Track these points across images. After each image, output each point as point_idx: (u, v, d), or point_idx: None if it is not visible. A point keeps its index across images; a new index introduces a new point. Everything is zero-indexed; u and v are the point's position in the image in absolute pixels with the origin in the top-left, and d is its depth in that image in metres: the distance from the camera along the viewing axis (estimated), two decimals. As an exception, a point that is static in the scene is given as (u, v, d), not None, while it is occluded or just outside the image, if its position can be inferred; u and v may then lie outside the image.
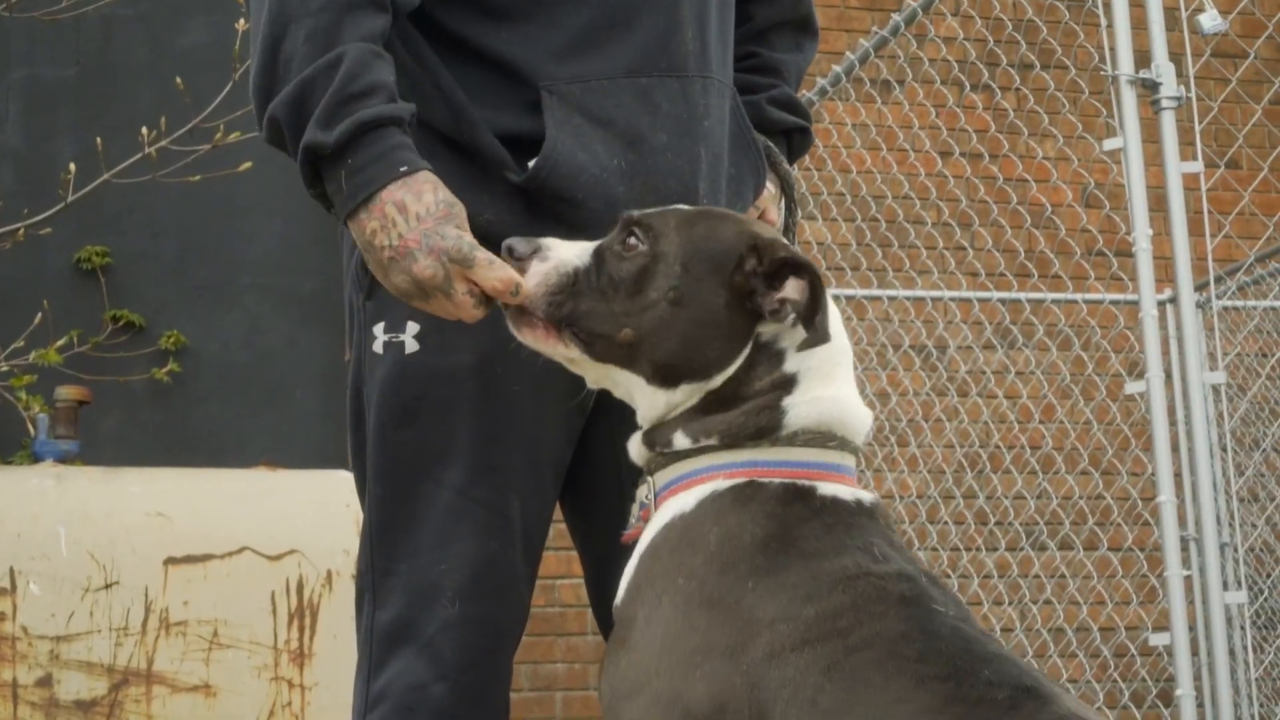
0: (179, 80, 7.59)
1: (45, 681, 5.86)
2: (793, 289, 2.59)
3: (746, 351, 2.66)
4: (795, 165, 4.48)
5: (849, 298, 8.39)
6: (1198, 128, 5.82)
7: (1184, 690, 5.02)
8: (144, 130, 7.28)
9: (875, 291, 8.58)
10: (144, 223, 8.09)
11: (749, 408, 2.65)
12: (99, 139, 7.66)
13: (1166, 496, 5.12)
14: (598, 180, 2.91)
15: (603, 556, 3.16)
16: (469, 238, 2.69)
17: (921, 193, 8.95)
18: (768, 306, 2.61)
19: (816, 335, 2.61)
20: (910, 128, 8.91)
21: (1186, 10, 5.69)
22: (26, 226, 7.54)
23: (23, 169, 8.19)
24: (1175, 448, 5.40)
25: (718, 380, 2.65)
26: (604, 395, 3.06)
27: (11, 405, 7.30)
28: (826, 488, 2.63)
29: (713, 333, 2.66)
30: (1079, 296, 8.34)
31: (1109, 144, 5.31)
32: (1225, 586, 5.24)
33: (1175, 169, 5.18)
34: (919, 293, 8.62)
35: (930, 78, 8.94)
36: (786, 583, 2.50)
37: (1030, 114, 8.96)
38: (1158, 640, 5.18)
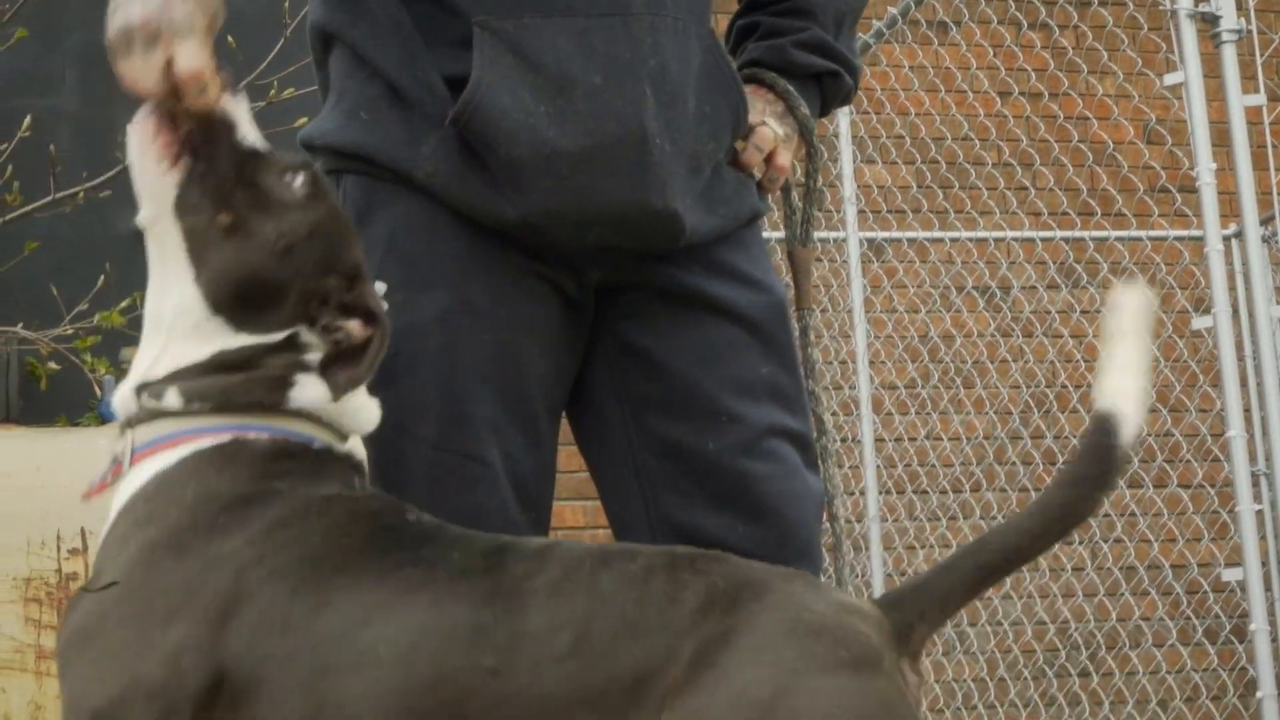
0: (231, 39, 7.58)
1: None
2: (355, 330, 2.63)
3: (277, 338, 2.65)
4: (844, 106, 4.42)
5: (910, 240, 8.47)
6: (1259, 60, 5.80)
7: (1258, 625, 5.04)
8: None
9: (937, 234, 8.62)
10: None
11: (250, 377, 2.64)
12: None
13: (1236, 431, 5.13)
14: (523, 125, 2.90)
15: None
16: (203, 17, 2.61)
17: (981, 133, 8.94)
18: (327, 324, 2.64)
19: (327, 370, 2.64)
20: (968, 68, 8.91)
21: None
22: (86, 190, 7.59)
23: (81, 133, 8.24)
24: (1243, 382, 5.41)
25: (239, 340, 2.64)
26: (599, 327, 3.15)
27: (77, 368, 7.30)
28: (314, 449, 2.65)
29: (275, 299, 2.65)
30: (1143, 233, 8.36)
31: (1169, 79, 5.30)
32: None
33: (1237, 102, 5.19)
34: (981, 234, 8.64)
35: (987, 17, 8.90)
36: (255, 518, 2.50)
37: (1089, 51, 8.95)
38: (1230, 576, 5.18)
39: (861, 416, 7.61)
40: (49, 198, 7.45)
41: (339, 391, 2.62)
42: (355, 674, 2.37)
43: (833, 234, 7.62)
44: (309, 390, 2.64)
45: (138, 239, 7.69)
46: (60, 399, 7.53)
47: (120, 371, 6.91)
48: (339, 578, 2.44)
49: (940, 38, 8.77)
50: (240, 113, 2.68)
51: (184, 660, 2.39)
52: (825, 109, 3.34)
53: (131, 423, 2.65)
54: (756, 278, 3.14)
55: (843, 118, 8.00)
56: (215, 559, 2.44)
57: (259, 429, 2.61)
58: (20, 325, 7.22)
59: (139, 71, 2.61)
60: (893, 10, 7.55)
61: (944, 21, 8.70)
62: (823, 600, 2.39)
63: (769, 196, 3.29)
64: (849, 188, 7.67)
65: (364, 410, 2.76)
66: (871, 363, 7.78)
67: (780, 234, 3.82)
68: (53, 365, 7.42)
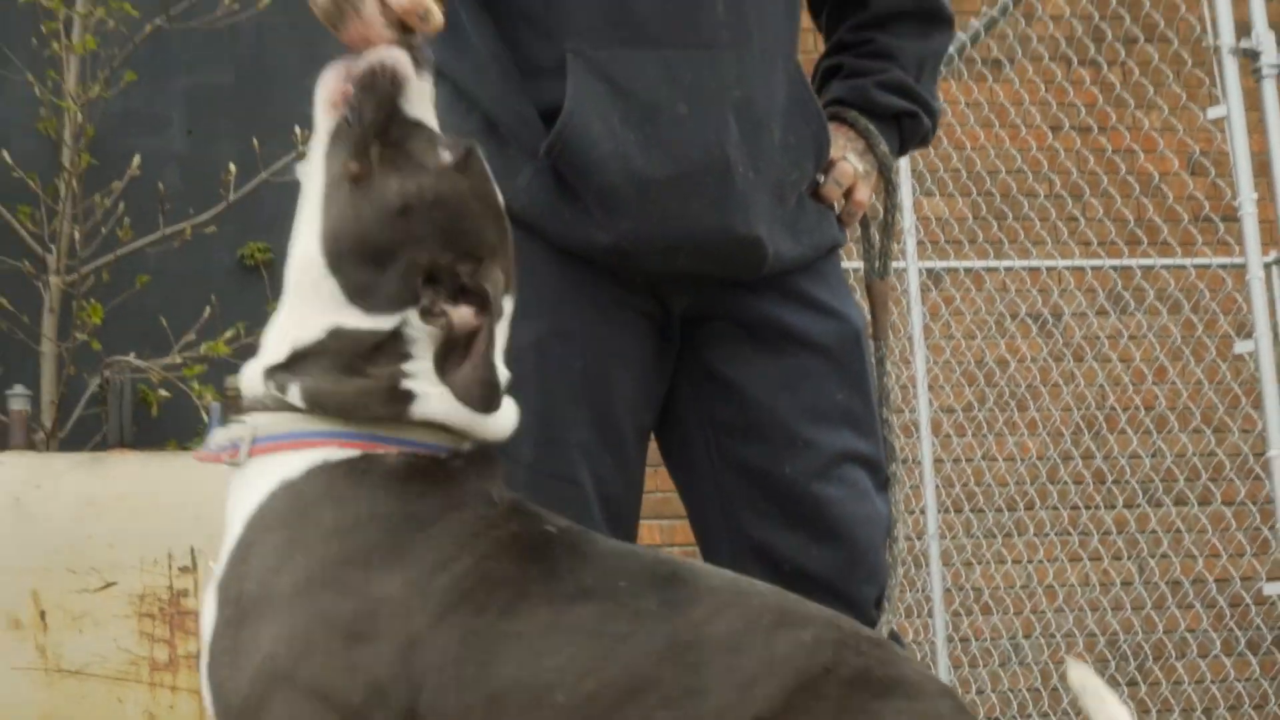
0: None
1: None
2: (461, 317, 2.47)
3: (384, 327, 2.51)
4: (922, 148, 4.40)
5: (967, 270, 8.35)
6: None
7: None
8: (297, 130, 7.30)
9: (992, 263, 8.59)
10: None
11: (365, 387, 2.50)
12: (256, 141, 7.79)
13: (1277, 451, 5.13)
14: (614, 153, 2.88)
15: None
16: None
17: (1034, 166, 8.82)
18: (432, 305, 2.49)
19: (442, 369, 2.49)
20: (1021, 104, 8.79)
21: None
22: (193, 226, 7.65)
23: (187, 171, 8.27)
24: None
25: (349, 318, 2.51)
26: (685, 354, 3.11)
27: (186, 395, 7.29)
28: (445, 454, 2.52)
29: (386, 263, 2.51)
30: (1188, 261, 8.21)
31: (1213, 113, 5.31)
32: None
33: (1278, 135, 5.18)
34: (1033, 263, 8.53)
35: (1039, 55, 8.83)
36: (410, 557, 2.41)
37: (1136, 86, 8.83)
38: (1272, 590, 5.15)
39: (921, 438, 7.56)
40: (158, 233, 7.54)
41: (475, 404, 2.47)
42: (526, 700, 2.30)
43: (893, 264, 7.61)
44: (433, 403, 2.51)
45: (242, 272, 7.87)
46: (170, 424, 7.51)
47: (225, 398, 7.06)
48: (505, 622, 2.36)
49: (994, 74, 8.67)
50: (415, 85, 2.58)
51: (386, 689, 2.31)
52: (904, 149, 3.34)
53: (255, 407, 2.55)
54: (835, 307, 3.11)
55: None
56: (380, 601, 2.36)
57: (386, 441, 2.50)
58: (133, 354, 7.27)
59: (366, 31, 2.57)
60: (949, 49, 7.53)
61: (998, 59, 8.62)
62: None
63: (846, 230, 3.26)
64: (908, 219, 7.62)
65: (491, 421, 2.59)
66: (930, 387, 7.73)
67: (856, 264, 3.78)
68: (163, 392, 7.43)
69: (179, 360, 7.45)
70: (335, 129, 2.53)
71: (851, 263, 4.24)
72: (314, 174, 2.54)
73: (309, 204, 2.53)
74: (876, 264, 3.38)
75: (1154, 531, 8.34)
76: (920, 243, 7.87)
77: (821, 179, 3.21)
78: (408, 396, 2.48)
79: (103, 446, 7.07)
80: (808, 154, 3.11)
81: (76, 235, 7.54)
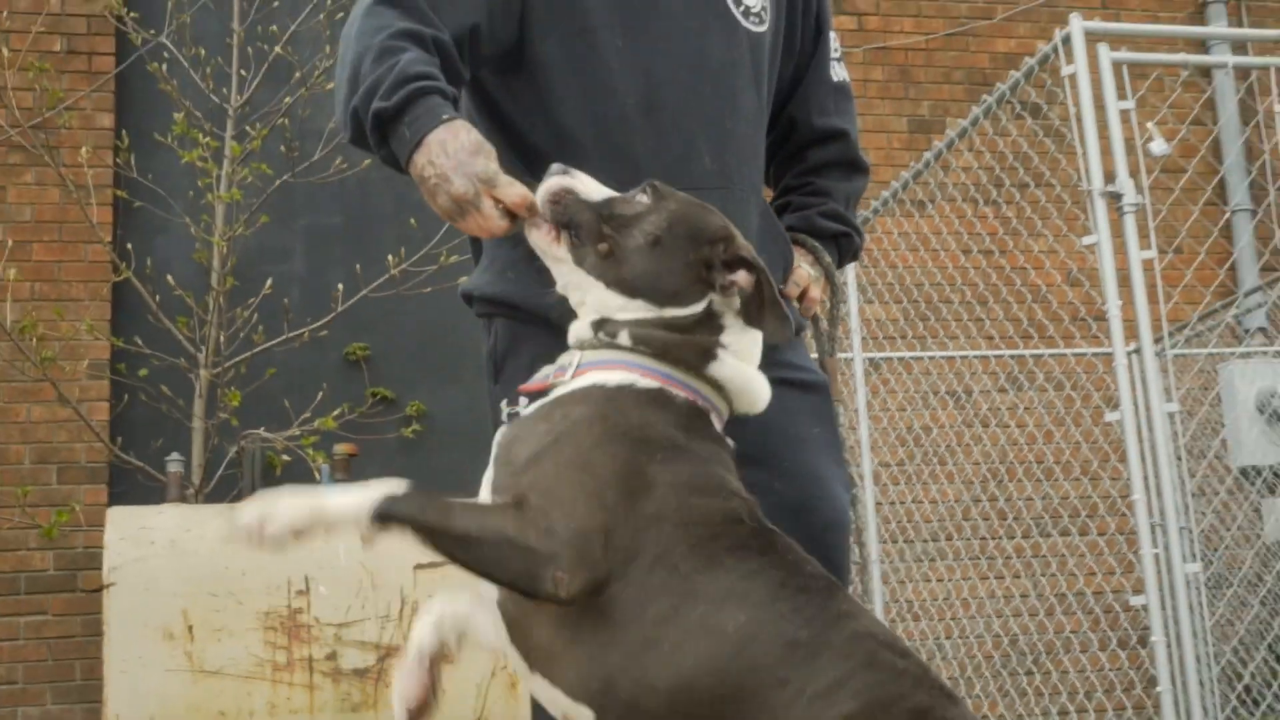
0: (414, 221, 7.69)
1: (332, 657, 6.01)
2: (742, 278, 2.50)
3: (698, 310, 2.55)
4: (854, 262, 4.31)
5: (900, 358, 8.39)
6: (1151, 225, 5.66)
7: (1157, 637, 5.00)
8: (390, 257, 7.45)
9: (918, 353, 8.56)
10: (393, 325, 8.12)
11: (685, 339, 2.54)
12: (358, 265, 7.82)
13: (1139, 495, 5.12)
14: None
15: None
16: (494, 165, 2.60)
17: (950, 280, 8.92)
18: (719, 282, 2.52)
19: (751, 319, 2.55)
20: (940, 234, 8.85)
21: (1141, 140, 5.65)
22: (309, 331, 7.66)
23: (305, 290, 8.32)
24: (1143, 458, 5.39)
25: (668, 312, 2.54)
26: None
27: (302, 460, 7.35)
28: (713, 416, 2.55)
29: (670, 277, 2.54)
30: (1068, 351, 8.32)
31: (1086, 240, 5.27)
32: (1184, 559, 5.20)
33: (1136, 256, 5.16)
34: (951, 353, 8.58)
35: (953, 196, 8.91)
36: (683, 472, 2.40)
37: (1028, 220, 8.91)
38: (1136, 600, 5.08)
39: (865, 486, 7.49)
40: (283, 337, 7.56)
41: (779, 336, 2.58)
42: (702, 632, 2.25)
43: (843, 355, 7.53)
44: (727, 366, 2.55)
45: (346, 366, 7.77)
46: (289, 481, 7.36)
47: (332, 461, 7.11)
48: (724, 557, 2.33)
49: (920, 212, 8.68)
50: (575, 181, 2.62)
51: (614, 536, 2.30)
52: (842, 261, 3.33)
53: (584, 346, 2.57)
54: (810, 366, 3.11)
55: (850, 270, 7.76)
56: (648, 486, 2.36)
57: (682, 384, 2.53)
58: (262, 429, 7.30)
59: (485, 224, 2.60)
60: (885, 193, 7.56)
61: (923, 200, 8.64)
62: None
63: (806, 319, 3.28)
64: (855, 321, 7.58)
65: (758, 392, 2.63)
66: (872, 447, 7.65)
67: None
68: (285, 457, 7.53)
69: (297, 433, 7.44)
70: (570, 248, 2.57)
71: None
72: (576, 276, 2.57)
73: (585, 286, 2.56)
74: (827, 345, 3.39)
75: (1044, 556, 8.39)
76: (864, 338, 7.88)
77: (785, 282, 3.24)
78: (711, 356, 2.54)
79: (237, 499, 6.98)
80: (777, 265, 3.11)
81: (221, 339, 7.50)
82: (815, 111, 3.31)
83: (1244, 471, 7.59)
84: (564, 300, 2.79)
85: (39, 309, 7.71)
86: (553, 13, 2.93)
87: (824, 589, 2.33)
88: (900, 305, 8.80)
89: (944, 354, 8.59)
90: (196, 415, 7.41)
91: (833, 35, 3.42)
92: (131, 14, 7.85)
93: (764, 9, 3.14)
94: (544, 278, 2.78)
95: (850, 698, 2.18)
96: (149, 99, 8.16)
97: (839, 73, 3.37)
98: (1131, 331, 5.25)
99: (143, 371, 7.87)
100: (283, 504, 2.34)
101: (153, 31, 7.93)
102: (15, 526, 7.55)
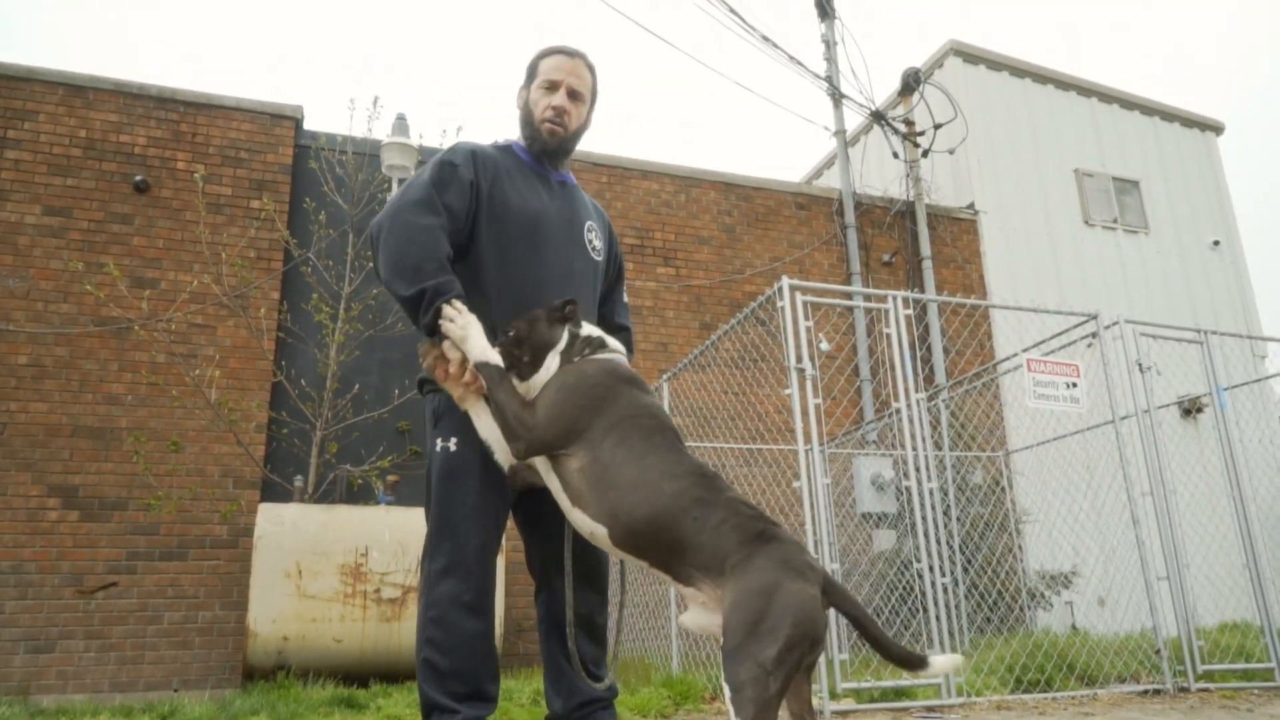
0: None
1: (377, 591, 5.87)
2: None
3: (565, 341, 2.41)
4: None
5: (690, 447, 6.59)
6: (820, 385, 5.64)
7: None
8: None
9: (699, 444, 7.79)
10: (423, 413, 6.33)
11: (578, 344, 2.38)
12: (406, 380, 7.69)
13: (809, 526, 4.71)
14: None
15: (545, 545, 2.83)
16: (456, 350, 2.42)
17: (717, 407, 8.17)
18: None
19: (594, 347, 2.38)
20: (713, 384, 8.15)
21: (816, 341, 5.75)
22: (377, 414, 7.68)
23: (376, 392, 7.87)
24: (811, 506, 4.76)
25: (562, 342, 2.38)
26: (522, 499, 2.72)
27: (369, 483, 7.33)
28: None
29: (540, 349, 2.40)
30: (777, 446, 7.82)
31: (786, 391, 4.98)
32: (830, 561, 4.82)
33: (811, 401, 4.88)
34: (716, 444, 7.88)
35: (721, 363, 8.26)
36: (621, 399, 2.27)
37: (758, 378, 8.39)
38: None
39: None
40: (361, 416, 7.62)
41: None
42: (654, 490, 2.16)
43: None
44: (614, 345, 2.44)
45: (397, 435, 7.72)
46: (361, 496, 7.48)
47: (386, 484, 6.97)
48: (662, 449, 2.20)
49: (701, 372, 7.96)
50: (477, 340, 2.39)
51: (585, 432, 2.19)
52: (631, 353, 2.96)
53: (586, 345, 2.42)
54: None
55: (665, 397, 6.94)
56: (610, 400, 2.25)
57: (622, 357, 2.44)
58: (347, 465, 7.42)
59: (445, 378, 2.44)
60: (682, 361, 6.88)
61: (703, 365, 7.82)
62: (801, 553, 2.13)
63: None
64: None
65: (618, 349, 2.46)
66: None
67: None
68: (359, 480, 7.45)
69: (367, 468, 7.45)
70: (508, 372, 2.36)
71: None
72: (543, 371, 2.37)
73: (545, 370, 2.36)
74: None
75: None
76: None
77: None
78: (604, 345, 2.45)
79: (332, 503, 6.95)
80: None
81: (328, 415, 7.41)
82: (617, 314, 3.08)
83: (864, 515, 7.31)
84: None
85: (230, 394, 7.37)
86: (490, 230, 2.74)
87: (713, 473, 2.21)
88: (688, 417, 8.05)
89: (711, 445, 7.97)
90: (312, 456, 7.24)
91: (626, 275, 3.18)
92: (294, 239, 7.80)
93: (600, 249, 2.93)
94: None
95: (731, 531, 2.11)
96: (300, 284, 7.83)
97: (626, 296, 3.14)
98: (808, 438, 4.96)
99: (285, 430, 7.52)
100: (470, 330, 2.34)
101: (302, 250, 7.79)
102: (208, 511, 7.16)
